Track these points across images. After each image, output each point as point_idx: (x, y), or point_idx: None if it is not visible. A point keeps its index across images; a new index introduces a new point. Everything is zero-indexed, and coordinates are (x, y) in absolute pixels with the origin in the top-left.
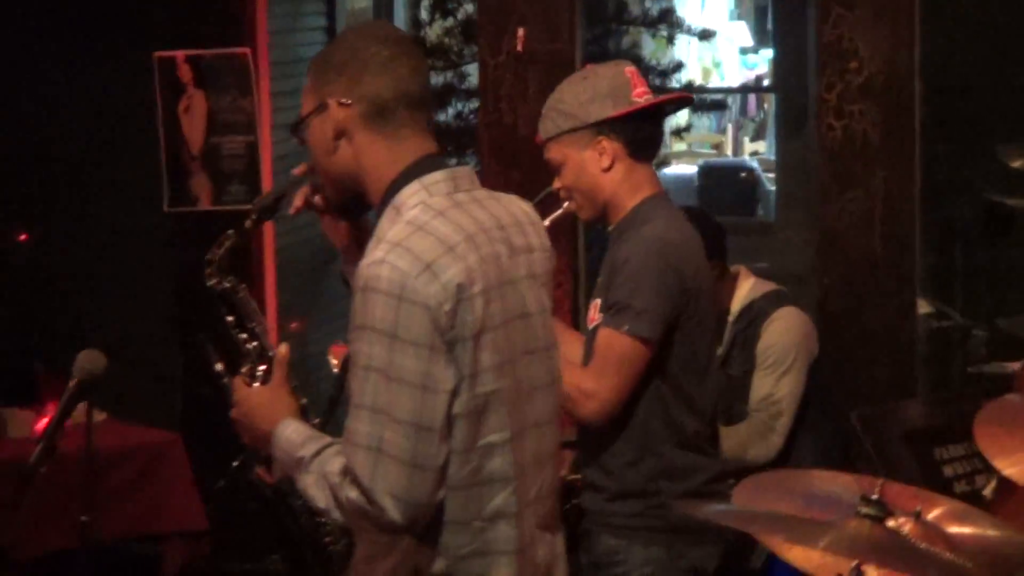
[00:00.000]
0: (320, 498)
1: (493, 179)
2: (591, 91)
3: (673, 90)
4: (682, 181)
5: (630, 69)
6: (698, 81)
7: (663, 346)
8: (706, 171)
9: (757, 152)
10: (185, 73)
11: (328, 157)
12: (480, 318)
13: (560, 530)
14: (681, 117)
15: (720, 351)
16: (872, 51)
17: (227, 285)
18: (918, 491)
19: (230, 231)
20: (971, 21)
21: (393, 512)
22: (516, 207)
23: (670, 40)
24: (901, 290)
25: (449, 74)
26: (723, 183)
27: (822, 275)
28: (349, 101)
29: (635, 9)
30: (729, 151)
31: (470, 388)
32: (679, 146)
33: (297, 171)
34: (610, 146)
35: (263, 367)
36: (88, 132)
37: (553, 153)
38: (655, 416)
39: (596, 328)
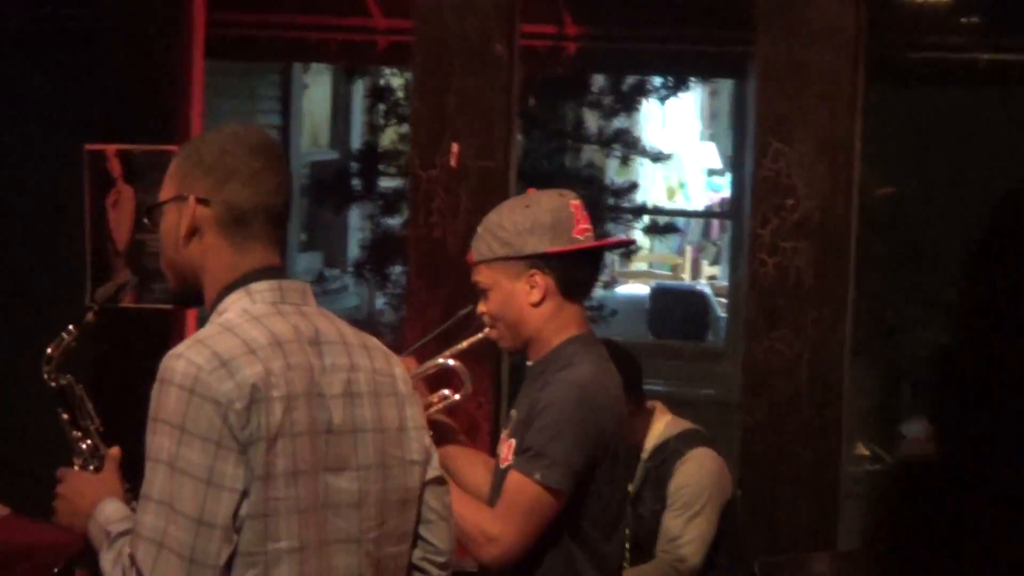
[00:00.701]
0: None
1: (419, 294)
2: (531, 221)
3: (627, 210)
4: (634, 302)
5: (575, 203)
6: (661, 200)
7: (573, 498)
8: (658, 293)
9: (715, 277)
10: (115, 167)
11: (176, 248)
12: (277, 423)
13: None
14: (640, 238)
15: (631, 488)
16: (809, 188)
17: (63, 382)
18: None
19: (71, 327)
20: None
21: None
22: (346, 327)
23: (624, 161)
24: (826, 434)
25: (400, 180)
26: (674, 306)
27: (747, 414)
28: (209, 201)
29: (592, 126)
30: (686, 274)
31: (261, 491)
32: (638, 265)
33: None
34: (543, 281)
35: (92, 467)
36: (15, 219)
37: (482, 277)
38: (558, 570)
39: (507, 469)
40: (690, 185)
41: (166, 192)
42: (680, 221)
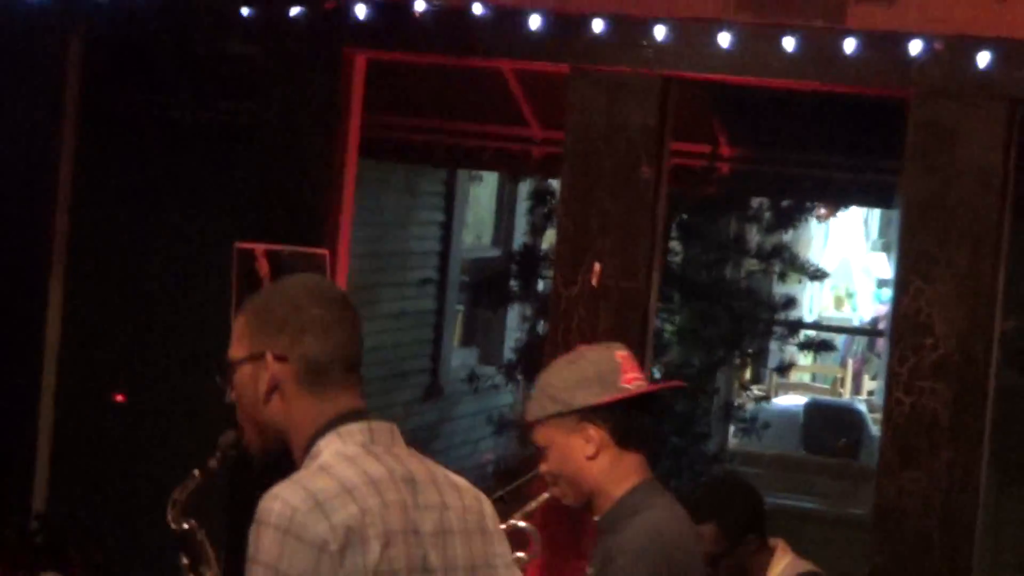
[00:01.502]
0: None
1: None
2: (578, 375)
3: (781, 324)
4: (787, 415)
5: (621, 354)
6: (829, 311)
7: None
8: (812, 408)
9: (873, 392)
10: (263, 266)
11: (256, 407)
12: (375, 561)
13: None
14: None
15: None
16: (949, 328)
17: (186, 527)
18: None
19: (196, 471)
20: None
21: None
22: (436, 467)
23: (781, 277)
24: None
25: None
26: (827, 423)
27: (875, 552)
28: (287, 357)
29: (752, 240)
30: (847, 388)
31: None
32: (800, 375)
33: None
34: (596, 434)
35: None
36: (165, 309)
37: (539, 436)
38: None
39: None
40: (859, 295)
41: (238, 350)
42: (838, 338)
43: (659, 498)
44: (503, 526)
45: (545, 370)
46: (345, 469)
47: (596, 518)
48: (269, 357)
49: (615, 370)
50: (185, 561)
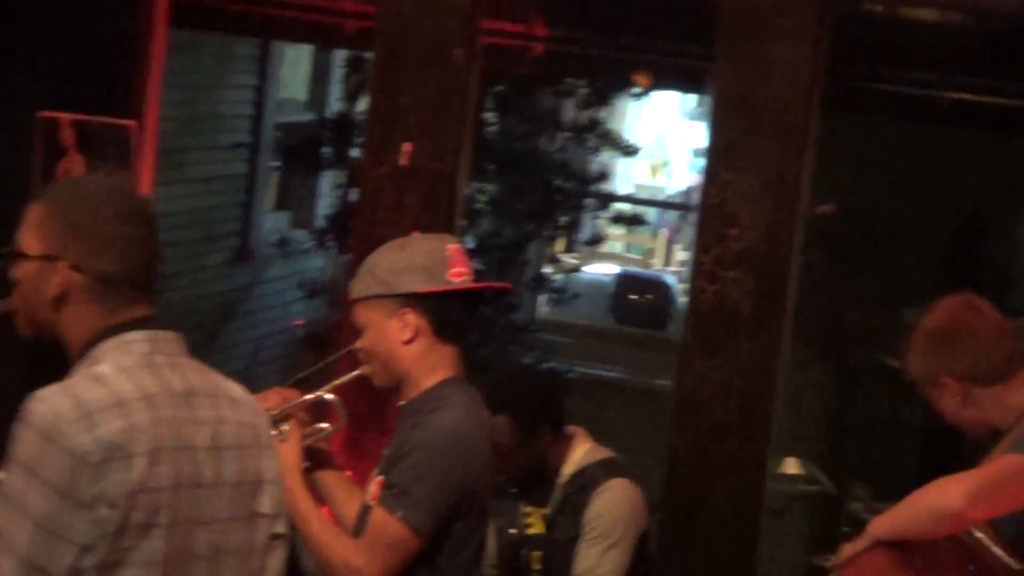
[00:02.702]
0: None
1: None
2: (406, 262)
3: (593, 196)
4: (598, 285)
5: (453, 247)
6: (643, 179)
7: (434, 539)
8: (622, 280)
9: (684, 263)
10: (68, 136)
11: (39, 305)
12: (137, 479)
13: None
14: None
15: (547, 513)
16: (753, 220)
17: None
18: None
19: None
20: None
21: None
22: (215, 378)
23: (595, 150)
24: (751, 466)
25: None
26: (637, 294)
27: (674, 439)
28: (81, 269)
29: (567, 114)
30: (659, 258)
31: (111, 544)
32: (612, 245)
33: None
34: (414, 320)
35: None
36: None
37: (359, 315)
38: None
39: (373, 505)
40: (674, 163)
41: (32, 244)
42: (650, 210)
43: (463, 396)
44: (310, 396)
45: (375, 252)
46: (121, 382)
47: (401, 403)
48: (62, 265)
49: (443, 262)
50: None
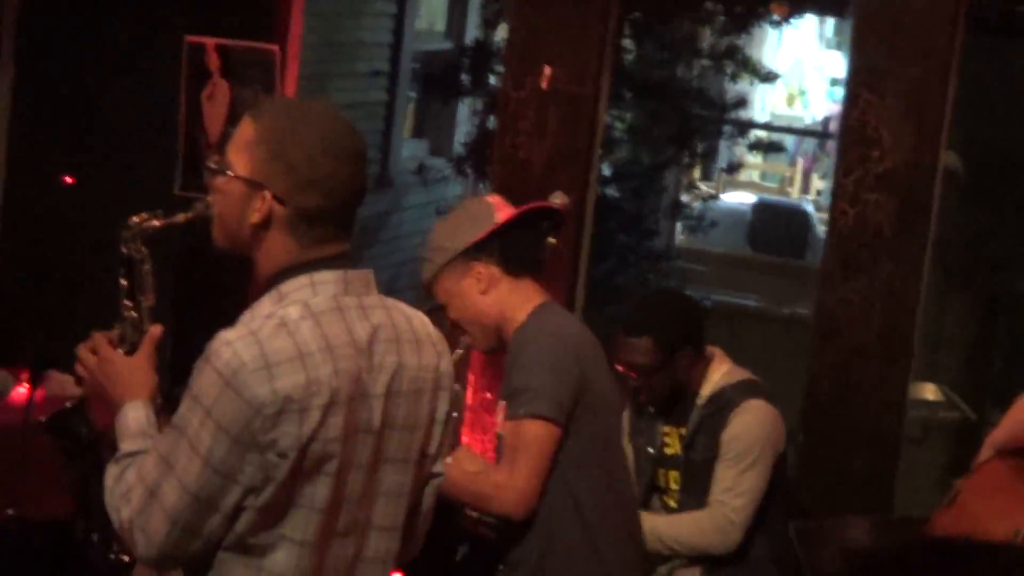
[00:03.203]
0: (109, 492)
1: None
2: (453, 224)
3: (731, 123)
4: (735, 213)
5: (495, 199)
6: (780, 108)
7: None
8: (759, 208)
9: (821, 192)
10: (213, 61)
11: (239, 226)
12: (310, 432)
13: None
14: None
15: (685, 434)
16: (896, 142)
17: (135, 255)
18: None
19: (159, 211)
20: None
21: (142, 549)
22: (401, 318)
23: (732, 78)
24: (892, 388)
25: None
26: (774, 222)
27: (815, 360)
28: (285, 203)
29: (706, 41)
30: (795, 187)
31: (278, 489)
32: (750, 174)
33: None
34: (484, 270)
35: (130, 342)
36: (113, 106)
37: (439, 294)
38: (562, 505)
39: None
40: (811, 93)
41: (239, 163)
42: (788, 139)
43: (558, 314)
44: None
45: (427, 235)
46: (306, 330)
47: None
48: (268, 194)
49: (487, 210)
50: (124, 283)
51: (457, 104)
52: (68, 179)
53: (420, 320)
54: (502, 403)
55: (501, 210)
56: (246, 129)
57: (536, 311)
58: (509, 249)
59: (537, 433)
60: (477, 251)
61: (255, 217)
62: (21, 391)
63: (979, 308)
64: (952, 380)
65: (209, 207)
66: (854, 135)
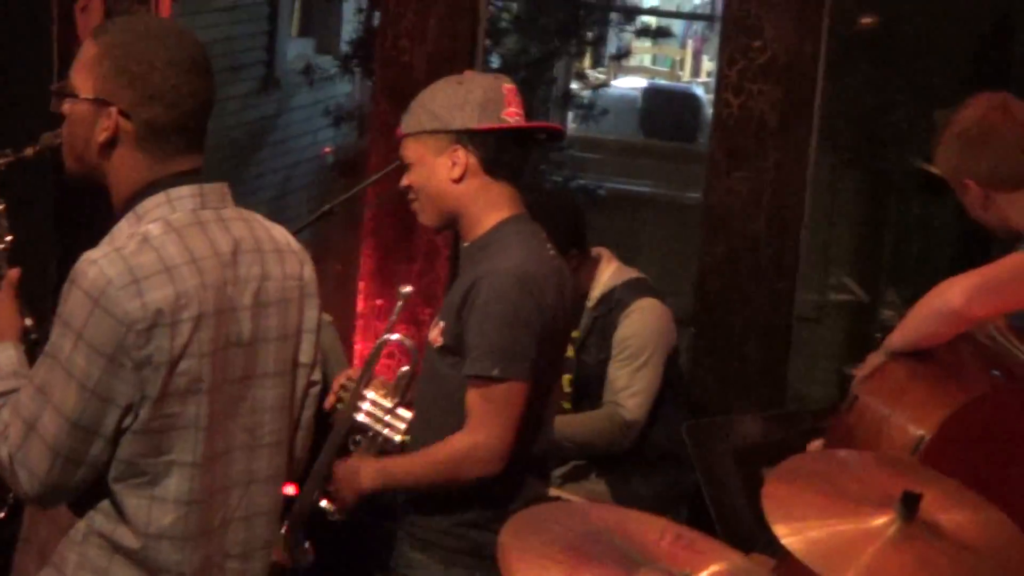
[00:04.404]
0: None
1: (384, 116)
2: (461, 98)
3: (623, 10)
4: (626, 100)
5: (508, 86)
6: None
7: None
8: (650, 94)
9: (711, 74)
10: None
11: (87, 147)
12: (182, 345)
13: (264, 558)
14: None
15: (576, 336)
16: (777, 31)
17: None
18: None
19: (8, 150)
20: None
21: (26, 486)
22: (261, 230)
23: None
24: (782, 276)
25: None
26: (665, 107)
27: (704, 253)
28: (130, 116)
29: None
30: (686, 70)
31: (154, 408)
32: (641, 58)
33: None
34: (464, 157)
35: None
36: None
37: (408, 150)
38: None
39: (437, 349)
40: None
41: (83, 83)
42: (678, 24)
43: (526, 234)
44: (376, 344)
45: (429, 87)
46: (169, 245)
47: (464, 244)
48: (113, 110)
49: (499, 100)
50: None
51: (343, 1)
52: None
53: (280, 231)
54: (441, 322)
55: (511, 104)
56: (89, 49)
57: (503, 225)
58: (499, 151)
59: (511, 394)
60: (468, 137)
61: (102, 136)
62: None
63: (871, 185)
64: (846, 259)
65: (57, 136)
66: (735, 26)
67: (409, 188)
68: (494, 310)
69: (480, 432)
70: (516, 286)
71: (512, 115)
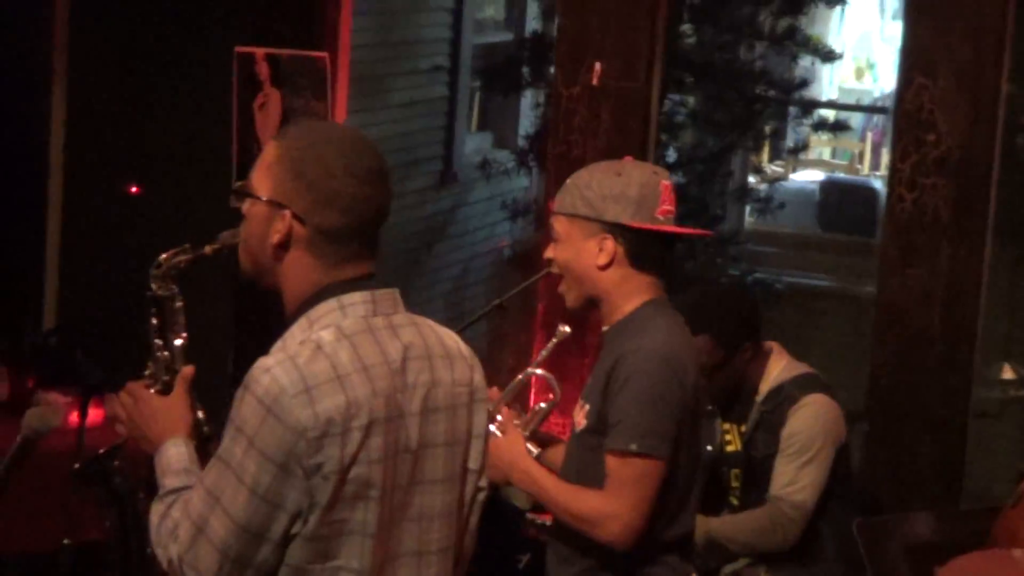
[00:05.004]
0: (154, 530)
1: None
2: (619, 190)
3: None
4: (803, 193)
5: (665, 183)
6: (849, 82)
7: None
8: (828, 187)
9: None
10: (263, 70)
11: (261, 248)
12: (352, 453)
13: None
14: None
15: (745, 430)
16: (951, 125)
17: (164, 293)
18: None
19: (187, 245)
20: None
21: None
22: (431, 335)
23: (793, 59)
24: (956, 373)
25: None
26: (844, 201)
27: (877, 348)
28: (305, 221)
29: (765, 23)
30: (865, 162)
31: (323, 515)
32: (819, 151)
33: None
34: (613, 247)
35: (161, 382)
36: (165, 118)
37: (559, 225)
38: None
39: (580, 432)
40: (880, 65)
41: (261, 185)
42: (856, 116)
43: (666, 318)
44: (520, 377)
45: (587, 169)
46: (341, 353)
47: (604, 328)
48: (287, 213)
49: (655, 197)
50: (155, 321)
51: (519, 96)
52: (134, 189)
53: (450, 336)
54: (585, 405)
55: (665, 202)
56: (269, 152)
57: (643, 308)
58: (645, 247)
59: (647, 469)
60: (618, 231)
61: (276, 237)
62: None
63: None
64: None
65: (235, 235)
66: (909, 120)
67: (552, 261)
68: (637, 386)
69: (615, 503)
70: (660, 364)
71: (664, 213)
